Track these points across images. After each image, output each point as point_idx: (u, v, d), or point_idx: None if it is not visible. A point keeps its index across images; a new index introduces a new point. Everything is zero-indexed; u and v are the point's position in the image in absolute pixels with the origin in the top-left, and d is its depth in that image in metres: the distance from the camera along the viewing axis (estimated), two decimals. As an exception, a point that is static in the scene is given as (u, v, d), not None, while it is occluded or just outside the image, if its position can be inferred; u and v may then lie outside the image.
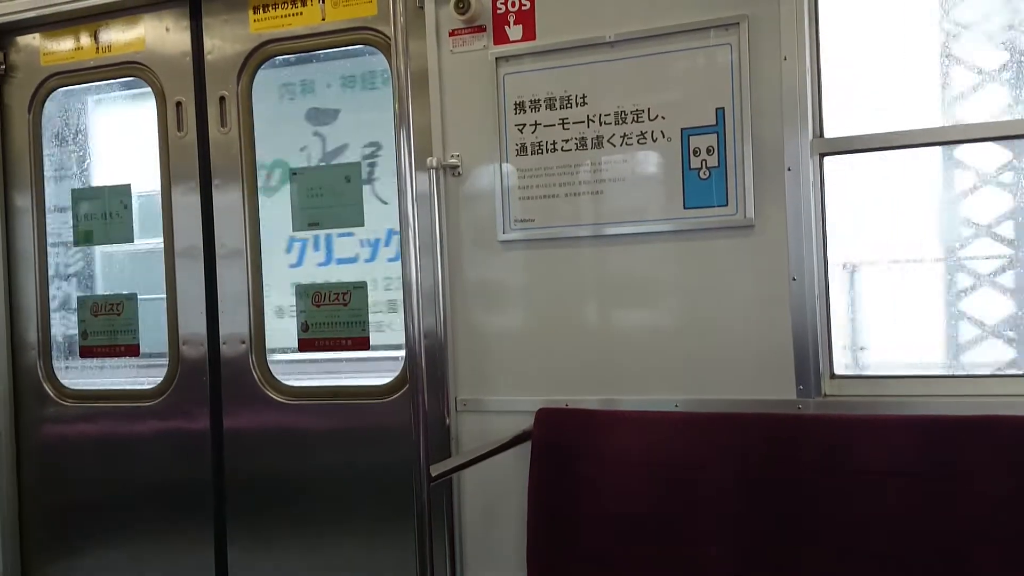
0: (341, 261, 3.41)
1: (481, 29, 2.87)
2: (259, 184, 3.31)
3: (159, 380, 3.43)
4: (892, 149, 2.60)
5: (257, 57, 3.28)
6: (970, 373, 2.60)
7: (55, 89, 3.58)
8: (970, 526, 2.26)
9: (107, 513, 3.50)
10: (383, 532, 3.09)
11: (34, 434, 3.60)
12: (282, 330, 3.33)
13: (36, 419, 3.59)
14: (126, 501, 3.47)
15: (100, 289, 3.70)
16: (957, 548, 2.27)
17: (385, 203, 3.27)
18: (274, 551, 3.27)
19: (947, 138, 2.55)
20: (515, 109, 2.84)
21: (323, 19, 3.17)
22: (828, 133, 2.61)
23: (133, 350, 3.52)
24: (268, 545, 3.28)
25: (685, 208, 2.67)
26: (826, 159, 2.61)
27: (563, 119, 2.79)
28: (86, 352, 3.57)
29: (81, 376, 3.62)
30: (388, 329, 3.29)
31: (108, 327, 3.54)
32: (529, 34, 2.82)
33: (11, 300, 3.60)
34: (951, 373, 2.62)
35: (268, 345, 3.32)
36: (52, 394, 3.57)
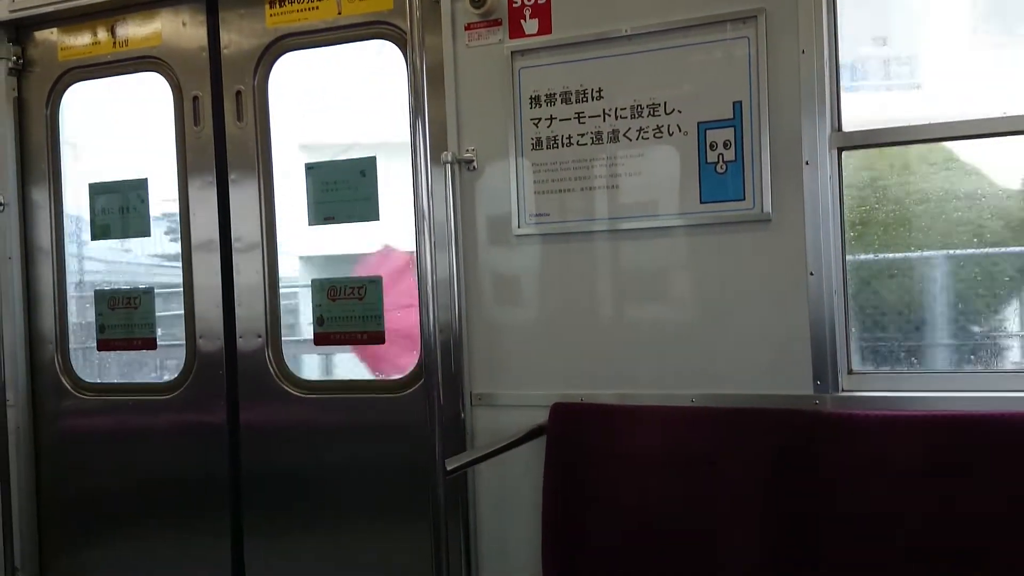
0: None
1: (497, 23, 2.87)
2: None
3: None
4: (911, 143, 2.58)
5: (273, 51, 3.28)
6: (990, 369, 2.58)
7: (72, 84, 3.60)
8: (989, 522, 2.25)
9: (124, 506, 3.52)
10: (399, 525, 3.09)
11: (52, 427, 3.62)
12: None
13: (54, 412, 3.61)
14: (143, 494, 3.48)
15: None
16: (975, 545, 2.25)
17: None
18: (290, 544, 3.28)
19: (968, 132, 2.53)
20: (531, 103, 2.83)
21: (339, 13, 3.17)
22: (846, 127, 2.59)
23: (150, 343, 3.53)
24: (284, 538, 3.29)
25: (701, 202, 2.65)
26: (844, 153, 2.59)
27: (579, 113, 2.79)
28: (103, 345, 3.59)
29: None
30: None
31: (126, 320, 3.55)
32: (545, 28, 2.81)
33: (29, 294, 3.62)
34: (971, 369, 2.60)
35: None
36: (69, 387, 3.60)
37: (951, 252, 2.63)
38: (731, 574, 2.46)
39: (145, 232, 3.55)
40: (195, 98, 3.38)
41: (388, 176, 3.17)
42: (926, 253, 2.65)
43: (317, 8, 3.20)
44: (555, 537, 2.68)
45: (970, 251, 2.61)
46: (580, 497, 2.66)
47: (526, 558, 2.79)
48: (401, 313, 3.19)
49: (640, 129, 2.72)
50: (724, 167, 2.62)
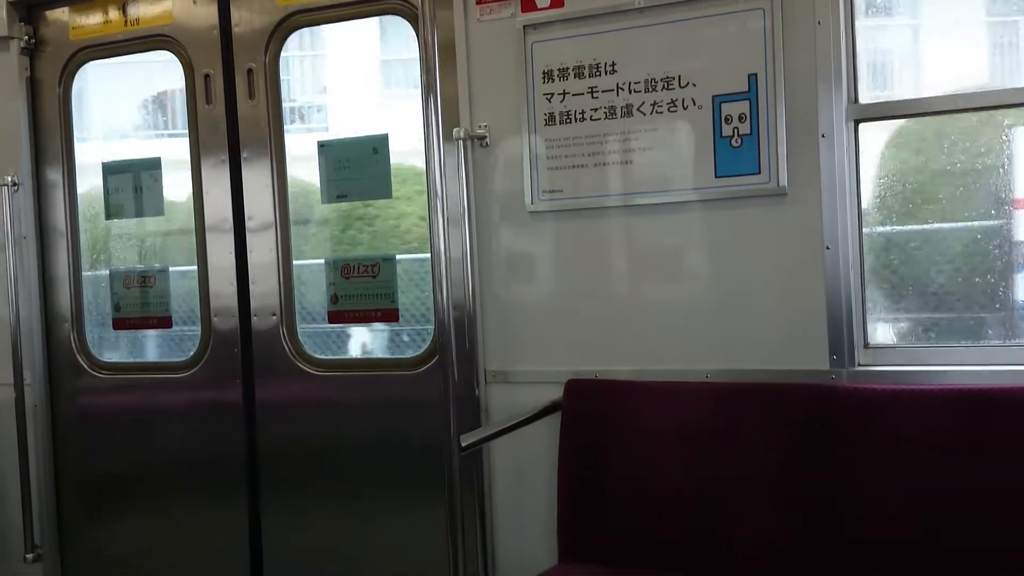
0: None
1: (509, -3, 2.84)
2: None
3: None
4: (929, 115, 2.55)
5: (284, 29, 3.27)
6: (1007, 343, 2.55)
7: (84, 63, 3.59)
8: (1005, 499, 2.24)
9: (141, 483, 3.55)
10: (414, 502, 3.11)
11: (68, 406, 3.65)
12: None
13: (70, 391, 3.64)
14: (160, 472, 3.51)
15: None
16: (991, 520, 2.24)
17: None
18: (307, 520, 3.30)
19: (986, 103, 2.49)
20: (543, 78, 2.81)
21: (350, -11, 3.15)
22: (863, 99, 2.56)
23: (166, 322, 3.54)
24: (301, 514, 3.31)
25: (716, 177, 2.63)
26: (861, 125, 2.56)
27: (592, 88, 2.76)
28: (119, 324, 3.60)
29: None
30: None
31: (141, 299, 3.57)
32: (557, 1, 2.78)
33: (44, 273, 3.64)
34: (988, 342, 2.58)
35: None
36: (86, 366, 3.61)
37: (969, 224, 2.60)
38: (747, 549, 2.46)
39: (159, 211, 3.55)
40: (207, 76, 3.37)
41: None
42: (945, 225, 2.62)
43: (328, -16, 3.18)
44: (570, 513, 2.68)
45: (988, 223, 2.58)
46: (595, 473, 2.66)
47: (541, 533, 2.79)
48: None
49: (654, 103, 2.70)
50: (739, 141, 2.60)
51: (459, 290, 2.85)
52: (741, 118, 2.59)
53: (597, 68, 2.75)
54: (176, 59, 3.44)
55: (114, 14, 3.51)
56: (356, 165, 3.20)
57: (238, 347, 3.37)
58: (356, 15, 3.19)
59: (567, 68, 2.78)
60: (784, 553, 2.42)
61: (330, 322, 3.28)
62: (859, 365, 2.56)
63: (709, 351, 2.67)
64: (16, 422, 3.50)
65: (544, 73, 2.81)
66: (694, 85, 2.65)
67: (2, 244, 3.50)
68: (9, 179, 3.49)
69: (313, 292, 3.33)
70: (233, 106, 3.34)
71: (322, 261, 3.30)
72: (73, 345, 3.63)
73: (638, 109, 2.71)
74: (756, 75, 2.57)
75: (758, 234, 2.60)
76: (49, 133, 3.62)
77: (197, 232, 3.42)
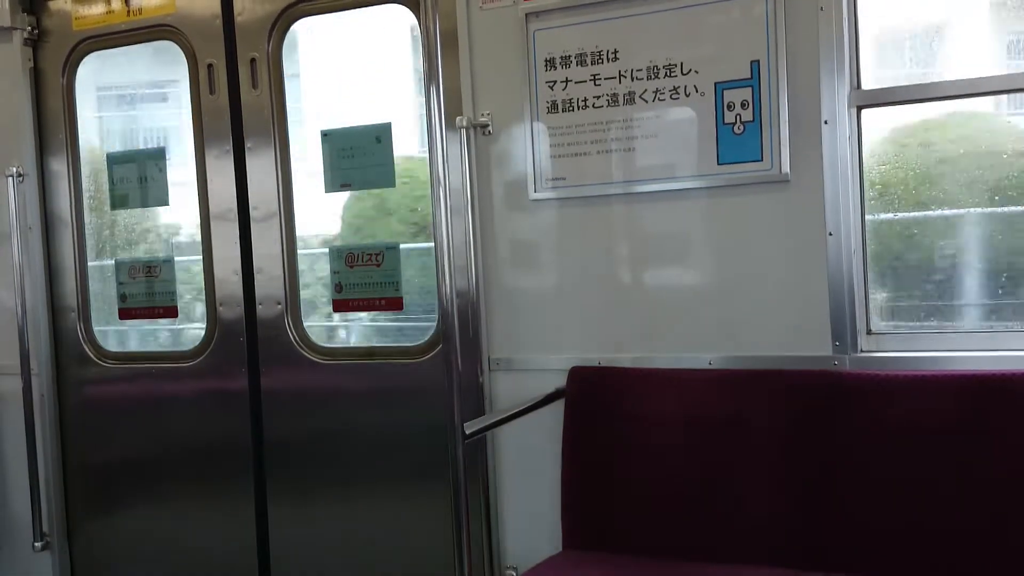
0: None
1: (511, -15, 2.84)
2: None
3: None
4: (933, 100, 2.55)
5: (287, 18, 3.26)
6: (1010, 328, 2.55)
7: (87, 54, 3.59)
8: (1008, 484, 2.24)
9: (148, 472, 3.57)
10: (419, 489, 3.12)
11: (75, 395, 3.66)
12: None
13: (77, 380, 3.65)
14: (167, 460, 3.53)
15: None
16: (994, 506, 2.25)
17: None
18: (312, 508, 3.32)
19: (988, 88, 2.49)
20: (545, 66, 2.81)
21: (353, -23, 3.15)
22: (866, 85, 2.56)
23: (172, 311, 3.56)
24: (306, 502, 3.33)
25: (719, 164, 2.63)
26: (863, 111, 2.56)
27: (594, 75, 2.76)
28: (124, 314, 3.62)
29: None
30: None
31: (147, 289, 3.58)
32: (559, -12, 2.78)
33: (50, 263, 3.65)
34: (991, 328, 2.58)
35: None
36: (92, 355, 3.63)
37: (972, 210, 2.59)
38: (749, 535, 2.47)
39: (164, 201, 3.56)
40: (210, 66, 3.37)
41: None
42: (947, 211, 2.62)
43: (331, -28, 3.18)
44: (574, 500, 2.69)
45: (991, 209, 2.58)
46: (598, 460, 2.67)
47: (545, 521, 2.80)
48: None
49: (656, 90, 2.69)
50: (742, 128, 2.60)
51: (462, 278, 2.85)
52: (743, 105, 2.59)
53: (599, 55, 2.75)
54: (179, 49, 3.44)
55: (117, 4, 3.51)
56: (359, 154, 3.20)
57: (243, 336, 3.38)
58: (359, 3, 3.19)
59: (569, 55, 2.78)
60: (786, 538, 2.43)
61: (335, 311, 3.29)
62: (861, 351, 2.56)
63: (712, 338, 2.68)
64: (24, 412, 3.52)
65: (546, 61, 2.81)
66: (696, 72, 2.64)
67: (8, 234, 3.51)
68: (14, 170, 3.50)
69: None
70: (237, 96, 3.34)
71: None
72: (79, 334, 3.64)
73: (640, 96, 2.71)
74: (758, 62, 2.57)
75: (760, 221, 2.61)
76: (53, 123, 3.63)
77: (202, 221, 3.43)
